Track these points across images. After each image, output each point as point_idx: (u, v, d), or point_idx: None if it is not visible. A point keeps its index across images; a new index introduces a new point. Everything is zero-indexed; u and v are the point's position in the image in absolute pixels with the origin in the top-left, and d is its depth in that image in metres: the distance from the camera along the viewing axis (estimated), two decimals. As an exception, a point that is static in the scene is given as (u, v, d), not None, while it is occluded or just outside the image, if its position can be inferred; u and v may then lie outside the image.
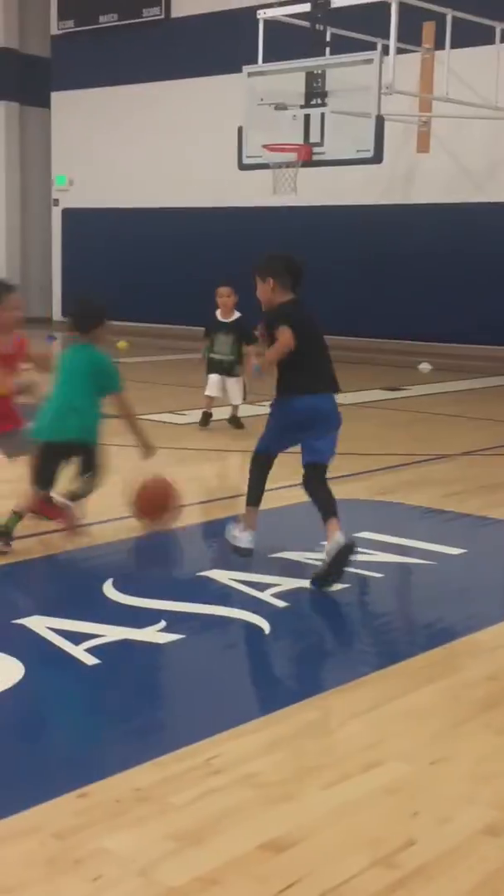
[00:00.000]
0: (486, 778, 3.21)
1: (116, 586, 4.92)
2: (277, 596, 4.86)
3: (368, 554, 5.56)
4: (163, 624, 4.44)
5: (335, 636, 4.57)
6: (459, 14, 13.86)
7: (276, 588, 4.96)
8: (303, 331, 5.03)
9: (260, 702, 3.84)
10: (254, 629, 4.46)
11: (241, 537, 5.30)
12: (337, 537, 4.91)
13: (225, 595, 4.90)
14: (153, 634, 4.34)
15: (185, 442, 8.75)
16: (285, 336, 4.96)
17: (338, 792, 3.11)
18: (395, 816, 2.98)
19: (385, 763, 3.29)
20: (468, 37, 14.26)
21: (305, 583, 5.04)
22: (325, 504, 5.04)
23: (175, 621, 4.48)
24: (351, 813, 3.00)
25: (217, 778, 3.17)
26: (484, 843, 2.85)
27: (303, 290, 5.20)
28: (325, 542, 4.97)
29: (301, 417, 5.09)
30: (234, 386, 9.29)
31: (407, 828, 2.91)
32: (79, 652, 4.11)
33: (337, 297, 17.21)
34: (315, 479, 5.13)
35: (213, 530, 6.15)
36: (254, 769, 3.23)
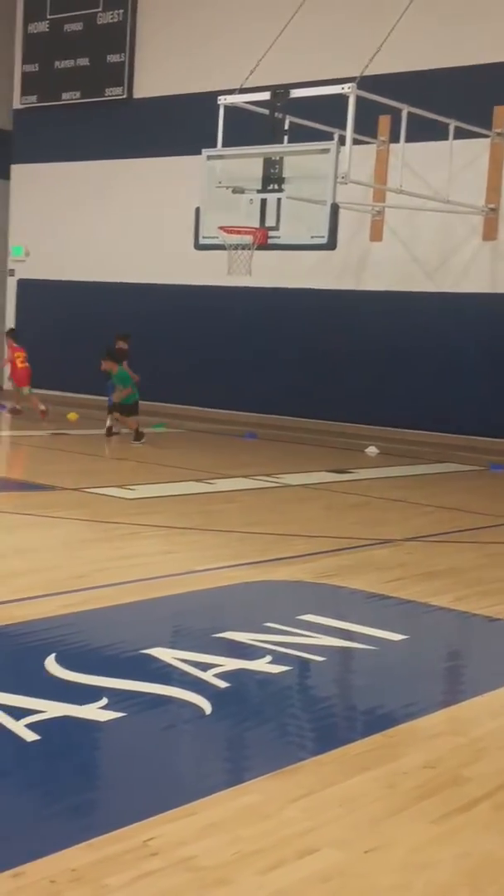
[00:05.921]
0: (419, 867, 3.24)
1: (59, 661, 4.91)
2: (219, 676, 4.89)
3: (311, 637, 5.62)
4: (104, 701, 4.44)
5: (275, 719, 4.60)
6: (414, 110, 14.33)
7: (218, 668, 4.99)
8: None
9: (198, 784, 3.84)
10: (195, 709, 4.48)
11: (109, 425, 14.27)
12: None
13: (167, 674, 4.92)
14: (94, 712, 4.34)
15: (130, 518, 8.77)
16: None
17: (273, 878, 3.13)
18: (329, 904, 3.00)
19: (320, 850, 3.31)
20: (422, 132, 14.73)
21: (248, 664, 5.07)
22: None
23: (116, 699, 4.48)
24: (285, 899, 3.01)
25: (154, 860, 3.17)
26: (416, 932, 2.88)
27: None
28: None
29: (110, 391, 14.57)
30: None
31: (341, 916, 2.93)
32: (19, 727, 4.10)
33: (287, 378, 17.44)
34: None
35: (158, 607, 6.17)
36: (190, 852, 3.23)
